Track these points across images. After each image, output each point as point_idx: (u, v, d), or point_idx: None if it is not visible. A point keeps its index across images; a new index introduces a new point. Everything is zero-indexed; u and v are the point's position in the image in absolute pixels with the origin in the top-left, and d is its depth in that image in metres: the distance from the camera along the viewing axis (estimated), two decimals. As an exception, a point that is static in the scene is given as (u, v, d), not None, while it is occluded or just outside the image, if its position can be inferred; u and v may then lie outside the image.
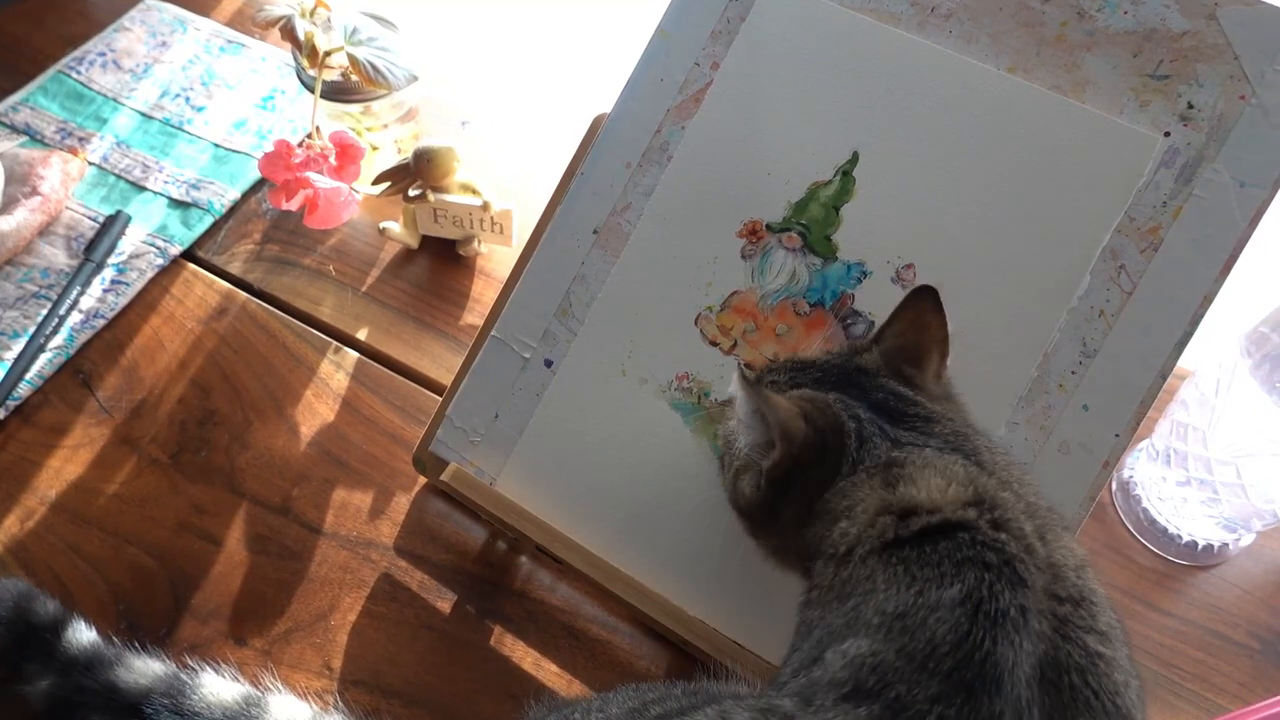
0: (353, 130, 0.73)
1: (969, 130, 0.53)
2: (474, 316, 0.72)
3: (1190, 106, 0.49)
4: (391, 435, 0.66)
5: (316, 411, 0.67)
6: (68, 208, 0.77)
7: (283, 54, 0.87)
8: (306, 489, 0.63)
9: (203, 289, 0.74)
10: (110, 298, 0.72)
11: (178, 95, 0.85)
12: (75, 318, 0.71)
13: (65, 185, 0.76)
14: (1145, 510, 0.62)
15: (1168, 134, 0.50)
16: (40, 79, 0.85)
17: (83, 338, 0.70)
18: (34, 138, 0.81)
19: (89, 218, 0.76)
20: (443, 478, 0.58)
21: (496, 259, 0.75)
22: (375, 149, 0.77)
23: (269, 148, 0.68)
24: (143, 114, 0.83)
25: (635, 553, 0.55)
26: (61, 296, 0.70)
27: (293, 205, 0.69)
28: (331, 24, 0.69)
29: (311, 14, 0.70)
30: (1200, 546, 0.60)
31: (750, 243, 0.56)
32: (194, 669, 0.52)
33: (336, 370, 0.69)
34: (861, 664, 0.34)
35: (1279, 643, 0.58)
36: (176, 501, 0.63)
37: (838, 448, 0.42)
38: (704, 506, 0.53)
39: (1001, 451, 0.44)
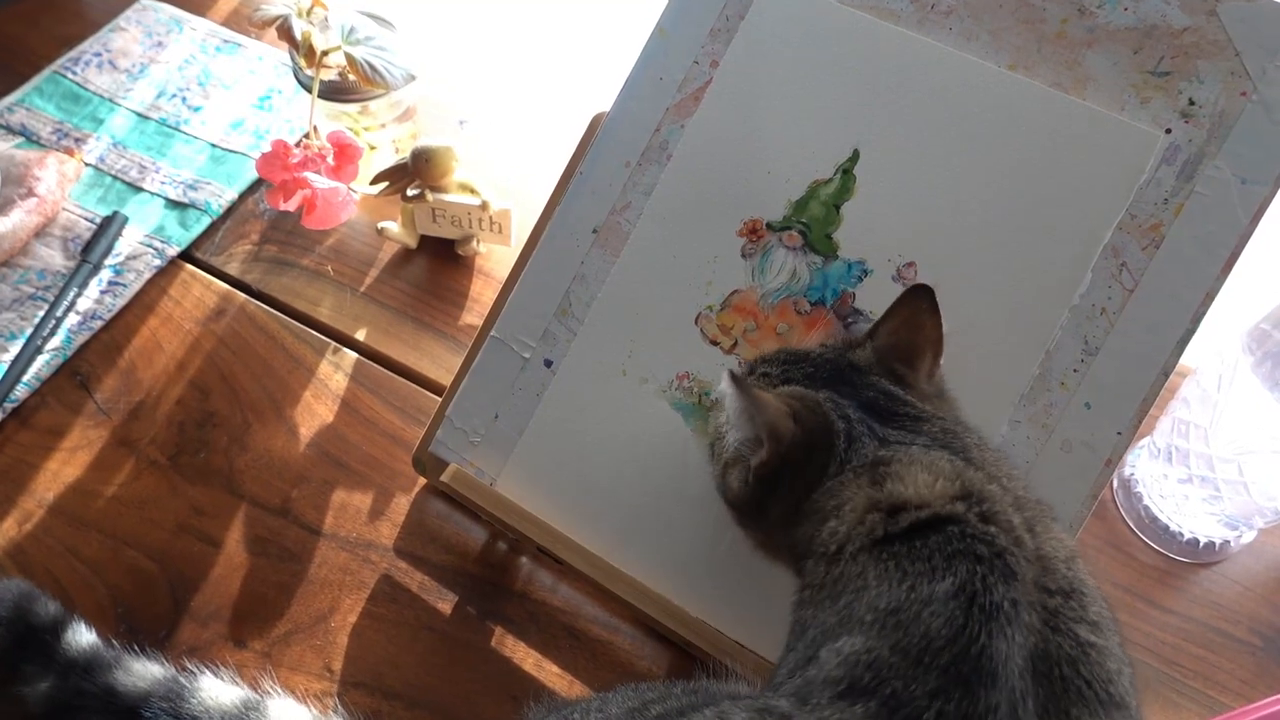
0: (350, 130, 0.73)
1: (970, 128, 0.53)
2: (473, 316, 0.72)
3: (1191, 103, 0.49)
4: (391, 436, 0.66)
5: (315, 412, 0.67)
6: (64, 209, 0.77)
7: (280, 53, 0.87)
8: (306, 490, 0.63)
9: (200, 290, 0.73)
10: (107, 299, 0.72)
11: (174, 95, 0.84)
12: (72, 319, 0.70)
13: (61, 186, 0.76)
14: (1147, 508, 0.62)
15: (1169, 131, 0.50)
16: (36, 80, 0.85)
17: (80, 339, 0.70)
18: (30, 139, 0.81)
19: (85, 219, 0.76)
20: (443, 478, 0.58)
21: (495, 259, 0.75)
22: (373, 149, 0.77)
23: (266, 148, 0.68)
24: (139, 114, 0.83)
25: (636, 553, 0.55)
26: (59, 298, 0.70)
27: (290, 205, 0.68)
28: (329, 23, 0.69)
29: (308, 13, 0.69)
30: (1202, 544, 0.60)
31: (750, 241, 0.56)
32: (193, 672, 0.52)
33: (335, 371, 0.69)
34: (856, 661, 0.34)
35: (1281, 640, 0.58)
36: (175, 503, 0.63)
37: (826, 448, 0.42)
38: (705, 506, 0.53)
39: (991, 448, 0.44)
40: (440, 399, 0.61)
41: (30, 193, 0.74)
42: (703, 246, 0.56)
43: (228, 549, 0.61)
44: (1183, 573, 0.61)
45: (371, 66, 0.68)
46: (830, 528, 0.40)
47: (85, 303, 0.71)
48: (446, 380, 0.64)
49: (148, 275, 0.73)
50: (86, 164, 0.79)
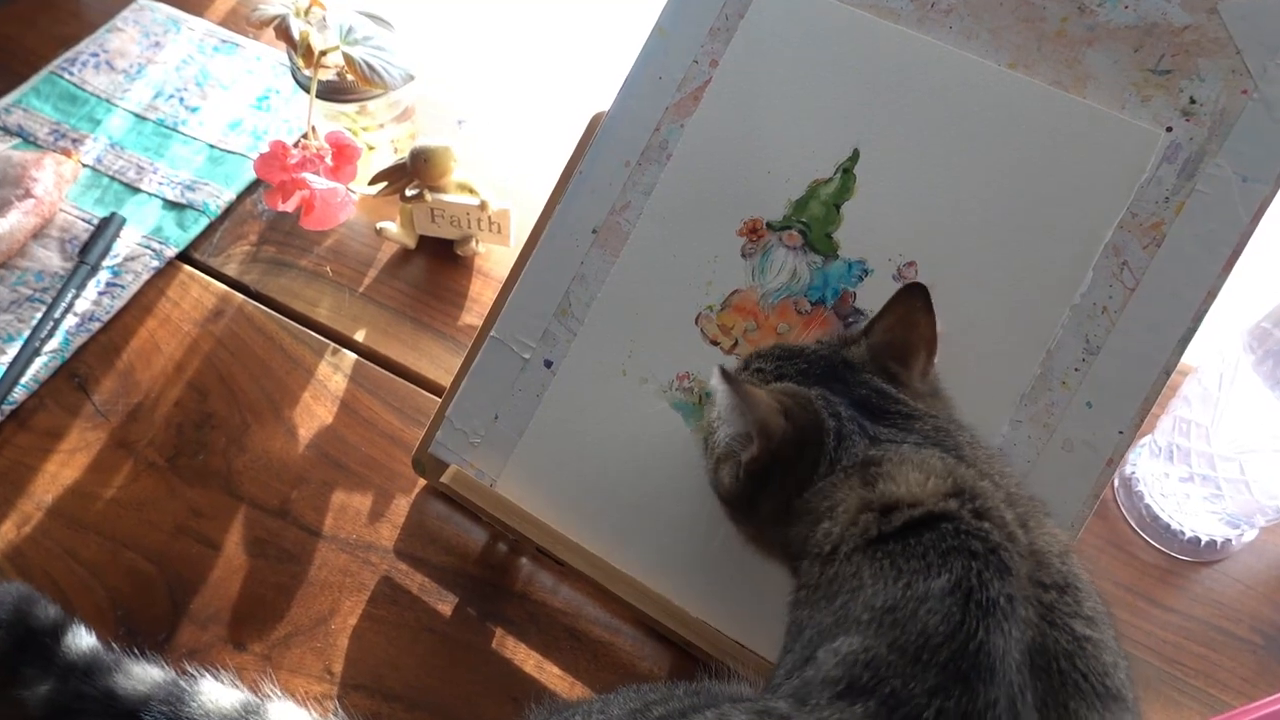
0: (349, 130, 0.73)
1: (970, 126, 0.53)
2: (472, 317, 0.72)
3: (1192, 101, 0.49)
4: (390, 437, 0.66)
5: (314, 413, 0.67)
6: (61, 210, 0.76)
7: (277, 54, 0.87)
8: (305, 492, 0.63)
9: (199, 291, 0.73)
10: (105, 300, 0.71)
11: (172, 96, 0.84)
12: (70, 321, 0.70)
13: (59, 187, 0.76)
14: (1148, 506, 0.61)
15: (1170, 129, 0.49)
16: (33, 80, 0.85)
17: (78, 341, 0.69)
18: (27, 139, 0.81)
19: (83, 220, 0.76)
20: (443, 480, 0.58)
21: (494, 259, 0.75)
22: (372, 149, 0.77)
23: (264, 148, 0.68)
24: (136, 115, 0.83)
25: (637, 554, 0.55)
26: (56, 300, 0.70)
27: (289, 206, 0.68)
28: (326, 23, 0.69)
29: (306, 13, 0.69)
30: (1203, 542, 0.60)
31: (750, 241, 0.56)
32: (193, 675, 0.52)
33: (334, 372, 0.69)
34: (854, 661, 0.34)
35: (1283, 638, 0.58)
36: (174, 505, 0.62)
37: (816, 445, 0.42)
38: (706, 507, 0.53)
39: (984, 446, 0.44)
40: (440, 400, 0.60)
41: (27, 194, 0.73)
42: (703, 246, 0.56)
43: (227, 551, 0.61)
44: (1184, 571, 0.61)
45: (370, 66, 0.67)
46: (824, 529, 0.40)
47: (83, 304, 0.71)
48: (446, 381, 0.64)
49: (146, 276, 0.73)
50: (84, 165, 0.79)
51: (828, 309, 0.54)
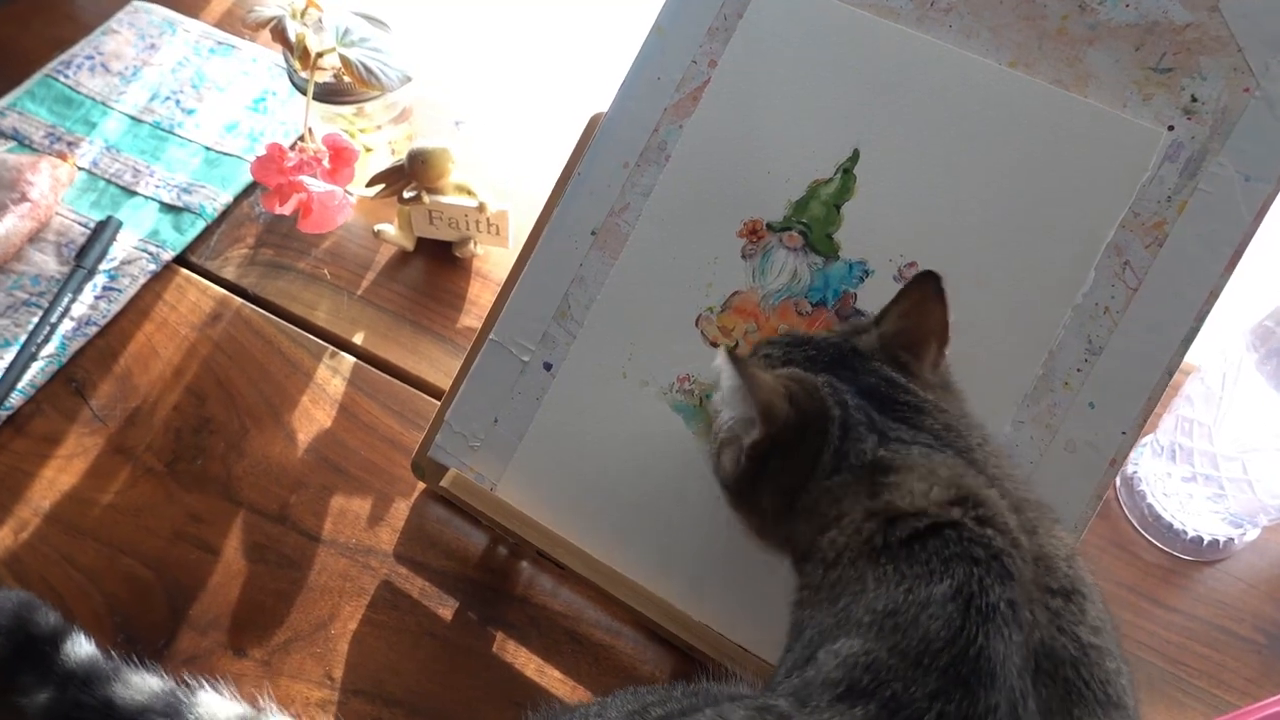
0: (346, 132, 0.73)
1: (970, 126, 0.52)
2: (471, 319, 0.71)
3: (1194, 100, 0.49)
4: (390, 441, 0.65)
5: (313, 417, 0.66)
6: (57, 214, 0.76)
7: (274, 55, 0.87)
8: (304, 496, 0.63)
9: (196, 294, 0.73)
10: (102, 304, 0.71)
11: (168, 98, 0.84)
12: (67, 325, 0.70)
13: (55, 191, 0.76)
14: (1150, 506, 0.61)
15: (1171, 128, 0.49)
16: (28, 83, 0.84)
17: (75, 345, 0.69)
18: (22, 143, 0.80)
19: (79, 224, 0.76)
20: (442, 483, 0.57)
21: (493, 261, 0.75)
22: (369, 151, 0.77)
23: (261, 151, 0.68)
24: (132, 118, 0.82)
25: (637, 557, 0.54)
26: (53, 304, 0.69)
27: (286, 209, 0.68)
28: (323, 25, 0.69)
29: (302, 15, 0.69)
30: (1206, 542, 0.60)
31: (751, 242, 0.55)
32: (191, 686, 0.51)
33: (333, 375, 0.69)
34: (855, 663, 0.34)
35: (1286, 638, 0.58)
36: (172, 511, 0.62)
37: (820, 432, 0.42)
38: (707, 509, 0.52)
39: (994, 445, 0.44)
40: (439, 403, 0.60)
41: (23, 198, 0.73)
42: (702, 248, 0.56)
43: (226, 556, 0.60)
44: (1187, 571, 0.61)
45: (366, 68, 0.67)
46: (829, 538, 0.40)
47: (80, 308, 0.71)
48: (445, 384, 0.63)
49: (142, 280, 0.73)
50: (79, 168, 0.79)
51: (829, 310, 0.54)
